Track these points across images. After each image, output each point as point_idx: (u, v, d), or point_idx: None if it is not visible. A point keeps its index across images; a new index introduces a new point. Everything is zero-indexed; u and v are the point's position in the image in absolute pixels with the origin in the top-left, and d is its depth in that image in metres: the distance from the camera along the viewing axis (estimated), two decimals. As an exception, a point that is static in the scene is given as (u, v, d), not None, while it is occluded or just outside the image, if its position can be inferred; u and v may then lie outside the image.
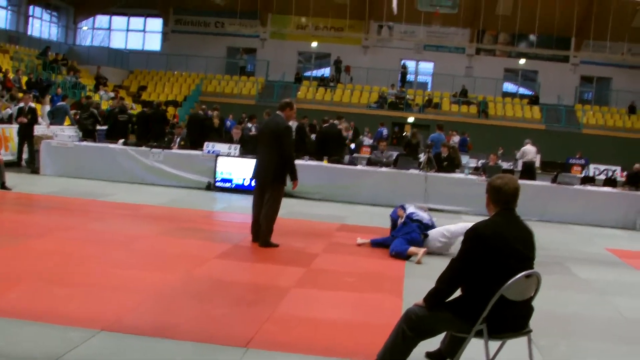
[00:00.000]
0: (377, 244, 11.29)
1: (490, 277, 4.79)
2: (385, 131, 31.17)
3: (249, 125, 22.25)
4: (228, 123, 25.31)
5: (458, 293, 5.02)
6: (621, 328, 7.59)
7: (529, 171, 21.74)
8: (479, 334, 4.82)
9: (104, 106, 27.20)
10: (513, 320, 4.92)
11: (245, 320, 6.61)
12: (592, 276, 10.43)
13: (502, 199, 5.09)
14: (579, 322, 7.70)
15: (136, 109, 32.54)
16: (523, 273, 4.77)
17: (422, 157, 19.91)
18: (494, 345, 5.09)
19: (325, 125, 21.04)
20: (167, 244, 10.32)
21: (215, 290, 7.66)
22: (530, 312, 5.07)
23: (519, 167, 25.04)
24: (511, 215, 5.08)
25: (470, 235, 4.97)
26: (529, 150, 23.87)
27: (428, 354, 5.67)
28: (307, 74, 44.82)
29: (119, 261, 8.81)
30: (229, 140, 19.26)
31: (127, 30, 46.45)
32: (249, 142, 18.40)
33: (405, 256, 10.43)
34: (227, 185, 17.69)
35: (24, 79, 29.70)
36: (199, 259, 9.15)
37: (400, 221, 11.26)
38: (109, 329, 5.95)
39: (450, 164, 19.23)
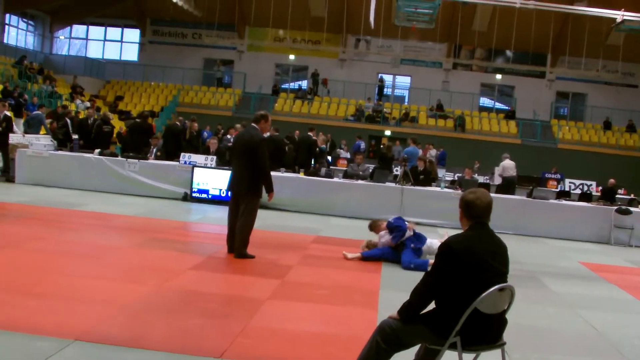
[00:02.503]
0: (369, 257, 11.30)
1: (463, 291, 4.79)
2: (362, 144, 31.21)
3: (228, 136, 22.21)
4: (205, 134, 25.27)
5: (432, 306, 5.02)
6: (593, 342, 7.61)
7: (509, 187, 21.53)
8: (452, 347, 4.82)
9: (81, 115, 26.90)
10: (486, 333, 4.91)
11: (219, 332, 6.58)
12: (565, 290, 10.49)
13: (475, 213, 5.09)
14: (552, 336, 7.72)
15: (112, 119, 32.38)
16: (496, 286, 4.77)
17: (399, 170, 19.94)
18: (468, 357, 5.09)
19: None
20: (141, 255, 10.26)
21: (189, 302, 7.61)
22: (504, 325, 5.07)
23: (496, 182, 25.09)
24: (484, 229, 5.08)
25: (443, 249, 4.97)
26: (509, 166, 23.77)
27: (402, 367, 5.67)
28: (285, 86, 44.82)
29: (91, 272, 8.73)
30: (205, 151, 19.23)
31: (104, 40, 46.25)
32: (226, 153, 18.44)
33: (427, 269, 10.54)
34: (204, 196, 17.65)
35: (-1, 87, 29.51)
36: (173, 271, 9.09)
37: (409, 233, 11.33)
38: (81, 339, 5.90)
39: (426, 178, 19.29)
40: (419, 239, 11.42)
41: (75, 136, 21.96)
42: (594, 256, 15.02)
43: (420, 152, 24.21)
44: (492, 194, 18.08)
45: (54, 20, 43.94)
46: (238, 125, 19.94)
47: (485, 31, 39.84)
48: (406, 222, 11.74)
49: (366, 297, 8.71)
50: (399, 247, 11.34)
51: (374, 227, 11.98)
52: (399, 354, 5.11)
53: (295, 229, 14.62)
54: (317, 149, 21.54)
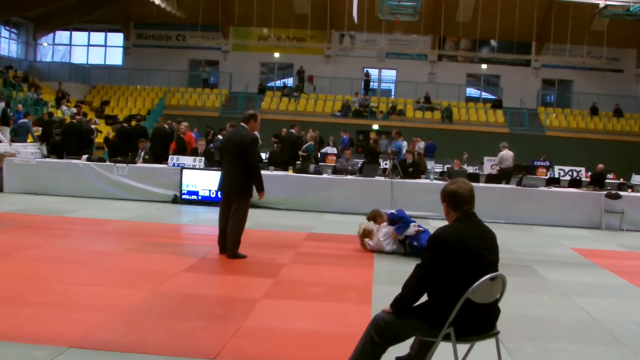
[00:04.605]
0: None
1: (455, 282, 4.79)
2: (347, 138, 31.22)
3: (219, 136, 22.16)
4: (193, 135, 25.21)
5: (425, 298, 5.02)
6: (589, 328, 7.63)
7: (504, 177, 21.42)
8: (447, 338, 4.83)
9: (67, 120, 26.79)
10: (480, 322, 4.92)
11: (213, 333, 6.57)
12: (559, 277, 10.50)
13: (461, 201, 5.09)
14: (547, 324, 7.73)
15: (100, 124, 32.33)
16: (488, 276, 4.78)
17: (387, 164, 19.97)
18: (462, 348, 5.10)
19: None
20: (133, 260, 10.24)
21: (183, 305, 7.59)
22: (497, 313, 5.08)
23: (485, 172, 25.11)
24: (472, 219, 5.08)
25: (432, 242, 4.97)
26: (507, 157, 23.67)
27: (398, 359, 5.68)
28: (271, 84, 44.80)
29: (84, 279, 8.73)
30: (193, 152, 19.21)
31: (88, 45, 46.13)
32: (214, 154, 18.43)
33: None
34: (194, 197, 17.62)
35: (-16, 96, 29.39)
36: (167, 274, 9.07)
37: (412, 231, 11.37)
38: (76, 346, 5.90)
39: (415, 170, 19.31)
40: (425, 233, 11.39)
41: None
42: (586, 242, 15.05)
43: (405, 144, 24.28)
44: (483, 184, 18.21)
45: (37, 27, 43.78)
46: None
47: (469, 22, 39.94)
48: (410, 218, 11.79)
49: (360, 292, 8.71)
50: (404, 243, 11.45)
51: (375, 217, 11.91)
52: (394, 347, 5.12)
53: (287, 227, 14.62)
54: (301, 143, 21.62)
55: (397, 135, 24.24)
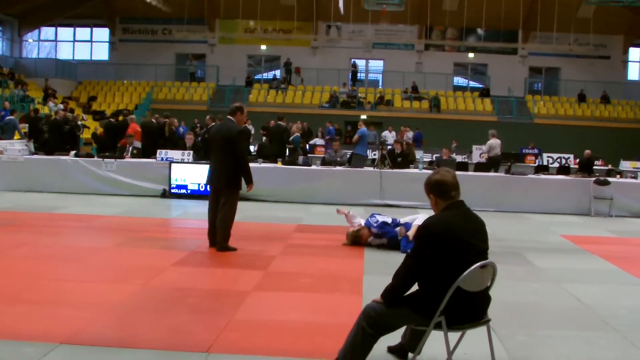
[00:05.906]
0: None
1: (446, 271, 4.80)
2: (333, 129, 31.24)
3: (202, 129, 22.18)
4: (181, 129, 25.15)
5: (415, 287, 5.02)
6: (580, 314, 7.65)
7: (494, 166, 21.47)
8: (438, 326, 4.83)
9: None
10: (471, 310, 4.93)
11: (205, 326, 6.55)
12: (549, 264, 10.52)
13: (446, 189, 5.10)
14: (539, 311, 7.75)
15: (87, 120, 32.23)
16: (478, 264, 4.78)
17: (376, 154, 19.99)
18: (454, 336, 5.10)
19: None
20: (124, 255, 10.22)
21: (174, 299, 7.58)
22: (488, 301, 5.09)
23: (474, 160, 25.16)
24: (460, 207, 5.09)
25: (422, 232, 4.97)
26: (496, 145, 23.66)
27: (390, 349, 5.68)
28: (258, 77, 44.72)
29: (75, 275, 8.70)
30: (182, 146, 19.17)
31: (74, 41, 45.89)
32: (202, 148, 18.41)
33: None
34: (183, 191, 17.58)
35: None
36: (157, 268, 9.05)
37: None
38: (67, 343, 5.88)
39: (404, 160, 19.31)
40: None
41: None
42: (576, 229, 15.09)
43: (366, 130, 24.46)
44: (472, 173, 18.23)
45: (22, 23, 43.50)
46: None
47: (455, 11, 39.93)
48: (384, 218, 11.65)
49: (351, 283, 8.71)
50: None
51: (357, 240, 11.57)
52: (386, 337, 5.12)
53: (276, 219, 14.61)
54: (288, 134, 21.64)
55: (363, 124, 24.51)
